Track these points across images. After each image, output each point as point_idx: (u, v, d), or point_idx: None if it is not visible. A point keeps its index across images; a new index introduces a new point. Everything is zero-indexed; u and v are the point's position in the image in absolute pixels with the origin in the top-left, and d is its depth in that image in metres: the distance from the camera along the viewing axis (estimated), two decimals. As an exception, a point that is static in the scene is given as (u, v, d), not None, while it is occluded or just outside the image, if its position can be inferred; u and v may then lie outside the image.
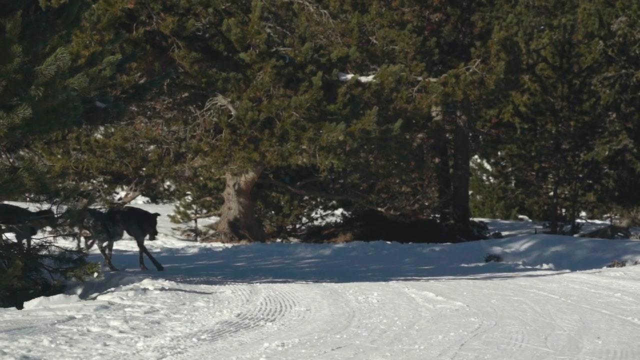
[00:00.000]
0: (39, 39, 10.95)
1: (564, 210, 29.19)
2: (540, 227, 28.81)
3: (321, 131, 17.10)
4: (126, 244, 22.24)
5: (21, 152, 14.70)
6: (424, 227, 27.41)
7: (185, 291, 11.19)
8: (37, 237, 11.91)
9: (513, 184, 30.31)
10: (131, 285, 11.31)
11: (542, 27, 28.22)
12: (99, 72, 11.69)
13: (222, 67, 17.77)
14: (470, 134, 29.73)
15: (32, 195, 11.76)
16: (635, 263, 18.10)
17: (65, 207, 11.77)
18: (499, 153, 30.52)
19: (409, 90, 20.20)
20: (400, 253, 20.66)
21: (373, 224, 27.24)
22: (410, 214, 28.18)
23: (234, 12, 17.83)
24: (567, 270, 16.22)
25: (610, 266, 17.16)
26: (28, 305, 10.18)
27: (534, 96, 27.54)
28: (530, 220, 31.93)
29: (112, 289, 11.23)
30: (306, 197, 28.70)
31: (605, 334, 8.48)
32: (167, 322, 9.01)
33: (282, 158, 17.39)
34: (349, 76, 17.82)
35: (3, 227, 11.81)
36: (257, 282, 12.45)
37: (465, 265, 18.01)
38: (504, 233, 27.89)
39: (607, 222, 30.92)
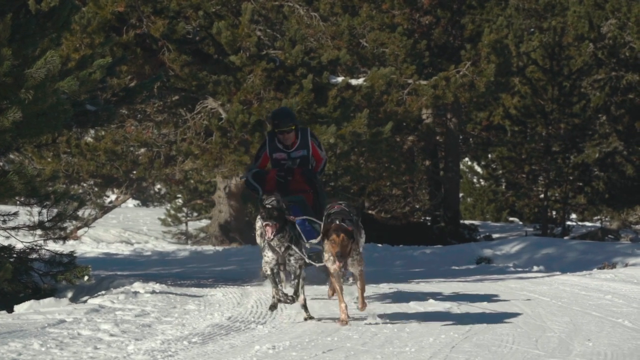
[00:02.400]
0: (29, 42, 10.93)
1: (554, 213, 29.21)
2: (531, 229, 28.84)
3: (312, 134, 17.09)
4: (117, 247, 22.22)
5: (11, 156, 14.67)
6: (415, 229, 27.43)
7: (176, 294, 11.19)
8: (28, 241, 11.89)
9: (503, 187, 30.33)
10: (122, 289, 11.30)
11: (532, 29, 28.24)
12: (89, 75, 11.68)
13: (213, 70, 17.76)
14: (461, 137, 29.75)
15: (22, 199, 11.74)
16: (626, 265, 18.13)
17: (55, 211, 11.75)
18: (489, 155, 30.55)
19: (400, 93, 20.22)
20: (391, 256, 20.66)
21: (364, 226, 27.20)
22: (401, 217, 28.20)
23: (224, 15, 17.83)
24: (558, 273, 16.23)
25: (600, 268, 17.17)
26: (18, 308, 10.16)
27: (524, 99, 27.57)
28: (520, 223, 31.97)
29: (103, 292, 11.21)
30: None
31: (596, 336, 8.49)
32: (158, 325, 9.01)
33: (273, 161, 17.37)
34: (340, 79, 17.83)
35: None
36: (247, 285, 12.44)
37: (456, 268, 18.02)
38: (494, 235, 27.91)
39: (598, 224, 30.96)
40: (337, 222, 9.32)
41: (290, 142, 12.50)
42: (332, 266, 9.22)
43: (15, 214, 11.86)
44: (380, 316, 9.41)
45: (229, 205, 23.64)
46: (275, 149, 12.61)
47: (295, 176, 12.67)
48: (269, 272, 9.71)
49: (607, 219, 30.60)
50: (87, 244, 22.12)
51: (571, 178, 28.08)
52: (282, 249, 9.61)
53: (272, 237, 9.43)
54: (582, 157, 27.52)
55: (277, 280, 9.78)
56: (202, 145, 18.06)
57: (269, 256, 9.66)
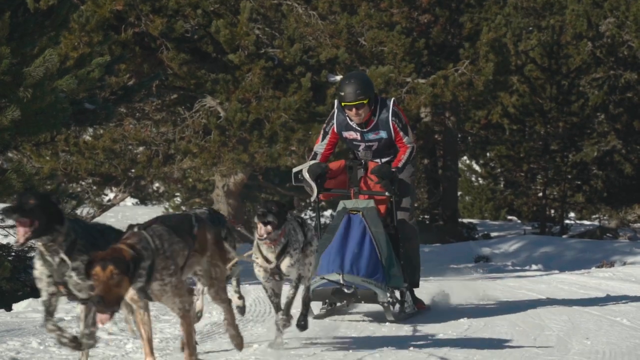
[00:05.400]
0: (28, 41, 10.94)
1: (552, 211, 29.22)
2: (529, 228, 28.85)
3: (310, 132, 17.11)
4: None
5: (10, 154, 14.69)
6: (413, 228, 27.40)
7: (174, 293, 11.17)
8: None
9: (502, 185, 30.34)
10: (120, 287, 11.29)
11: (530, 28, 28.24)
12: (88, 74, 11.69)
13: (211, 68, 17.77)
14: (459, 135, 29.75)
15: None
16: (624, 264, 18.15)
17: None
18: (487, 154, 30.54)
19: (398, 92, 20.20)
20: (390, 254, 20.66)
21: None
22: (399, 215, 28.15)
23: (222, 14, 17.83)
24: (556, 271, 16.25)
25: (599, 267, 17.20)
26: (17, 307, 10.17)
27: (523, 97, 27.57)
28: (519, 221, 31.96)
29: (101, 290, 11.20)
30: (296, 199, 28.68)
31: (594, 335, 8.49)
32: (157, 323, 9.00)
33: (272, 159, 17.39)
34: (338, 77, 17.83)
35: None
36: (246, 284, 12.44)
37: (455, 266, 18.03)
38: (493, 234, 27.92)
39: (596, 223, 30.95)
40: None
41: (363, 120, 9.54)
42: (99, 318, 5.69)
43: (14, 212, 11.83)
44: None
45: (228, 203, 23.60)
46: (345, 126, 9.67)
47: (368, 172, 9.79)
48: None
49: (605, 217, 30.59)
50: (86, 243, 22.07)
51: (569, 177, 28.09)
52: None
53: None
54: (580, 156, 27.52)
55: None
56: (200, 144, 18.06)
57: None
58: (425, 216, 29.08)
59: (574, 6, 27.27)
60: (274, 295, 7.93)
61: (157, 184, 35.63)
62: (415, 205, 10.86)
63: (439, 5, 24.77)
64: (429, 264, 18.74)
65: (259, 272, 7.75)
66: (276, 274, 7.76)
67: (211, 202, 25.51)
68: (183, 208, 31.16)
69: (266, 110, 17.14)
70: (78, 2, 16.45)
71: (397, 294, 9.66)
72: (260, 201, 7.97)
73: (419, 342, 8.07)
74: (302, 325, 8.08)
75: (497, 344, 8.00)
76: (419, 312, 9.92)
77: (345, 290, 8.97)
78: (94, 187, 20.70)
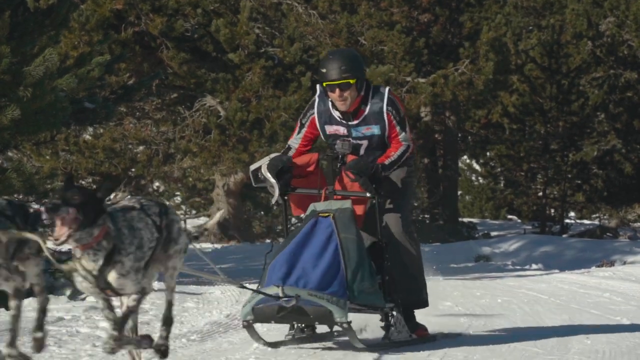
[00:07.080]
0: (28, 40, 10.92)
1: (552, 211, 29.21)
2: (529, 227, 28.84)
3: (310, 132, 17.11)
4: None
5: (10, 153, 14.67)
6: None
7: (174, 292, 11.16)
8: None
9: (502, 185, 30.34)
10: (120, 286, 11.29)
11: (530, 27, 28.22)
12: (88, 73, 11.67)
13: (211, 67, 17.78)
14: (460, 135, 29.75)
15: (20, 196, 11.73)
16: (624, 263, 18.15)
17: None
18: (488, 153, 30.54)
19: (398, 91, 20.20)
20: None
21: (362, 224, 27.15)
22: (399, 215, 28.13)
23: (222, 13, 17.83)
24: (556, 271, 16.24)
25: (599, 266, 17.20)
26: (17, 306, 10.13)
27: (523, 97, 27.55)
28: (519, 221, 31.96)
29: (101, 290, 11.19)
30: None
31: (594, 334, 8.48)
32: (156, 322, 8.98)
33: (272, 159, 17.37)
34: (338, 77, 17.81)
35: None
36: (246, 283, 12.41)
37: (455, 266, 18.01)
38: (493, 233, 27.91)
39: (596, 222, 30.96)
40: None
41: (349, 108, 7.49)
42: None
43: (14, 211, 11.83)
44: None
45: (228, 203, 23.61)
46: (328, 118, 7.71)
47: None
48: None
49: (605, 217, 30.60)
50: (86, 242, 22.05)
51: (570, 176, 28.08)
52: None
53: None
54: (580, 155, 27.50)
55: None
56: (200, 143, 18.06)
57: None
58: (426, 215, 29.08)
59: (574, 5, 27.26)
60: (108, 309, 5.97)
61: (157, 183, 35.65)
62: (413, 208, 8.90)
63: (439, 4, 24.78)
64: (428, 263, 18.72)
65: (81, 285, 5.74)
66: (106, 289, 5.77)
67: (211, 201, 25.53)
68: (183, 207, 31.19)
69: (266, 110, 17.14)
70: (78, 1, 16.45)
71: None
72: (56, 190, 5.37)
73: (418, 341, 8.05)
74: (163, 350, 6.22)
75: (497, 343, 7.99)
76: (417, 340, 8.03)
77: (284, 304, 7.06)
78: (94, 187, 20.73)
